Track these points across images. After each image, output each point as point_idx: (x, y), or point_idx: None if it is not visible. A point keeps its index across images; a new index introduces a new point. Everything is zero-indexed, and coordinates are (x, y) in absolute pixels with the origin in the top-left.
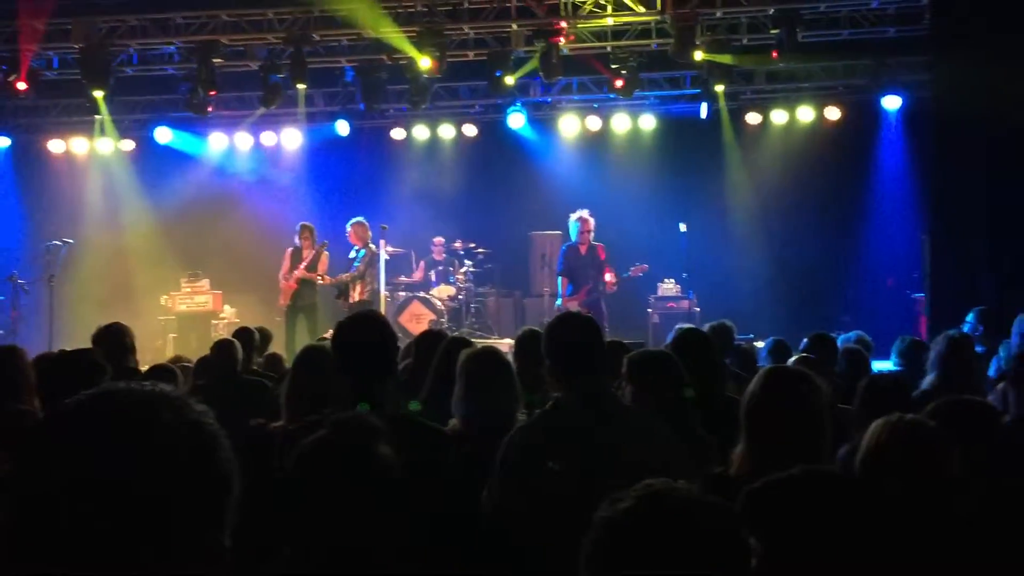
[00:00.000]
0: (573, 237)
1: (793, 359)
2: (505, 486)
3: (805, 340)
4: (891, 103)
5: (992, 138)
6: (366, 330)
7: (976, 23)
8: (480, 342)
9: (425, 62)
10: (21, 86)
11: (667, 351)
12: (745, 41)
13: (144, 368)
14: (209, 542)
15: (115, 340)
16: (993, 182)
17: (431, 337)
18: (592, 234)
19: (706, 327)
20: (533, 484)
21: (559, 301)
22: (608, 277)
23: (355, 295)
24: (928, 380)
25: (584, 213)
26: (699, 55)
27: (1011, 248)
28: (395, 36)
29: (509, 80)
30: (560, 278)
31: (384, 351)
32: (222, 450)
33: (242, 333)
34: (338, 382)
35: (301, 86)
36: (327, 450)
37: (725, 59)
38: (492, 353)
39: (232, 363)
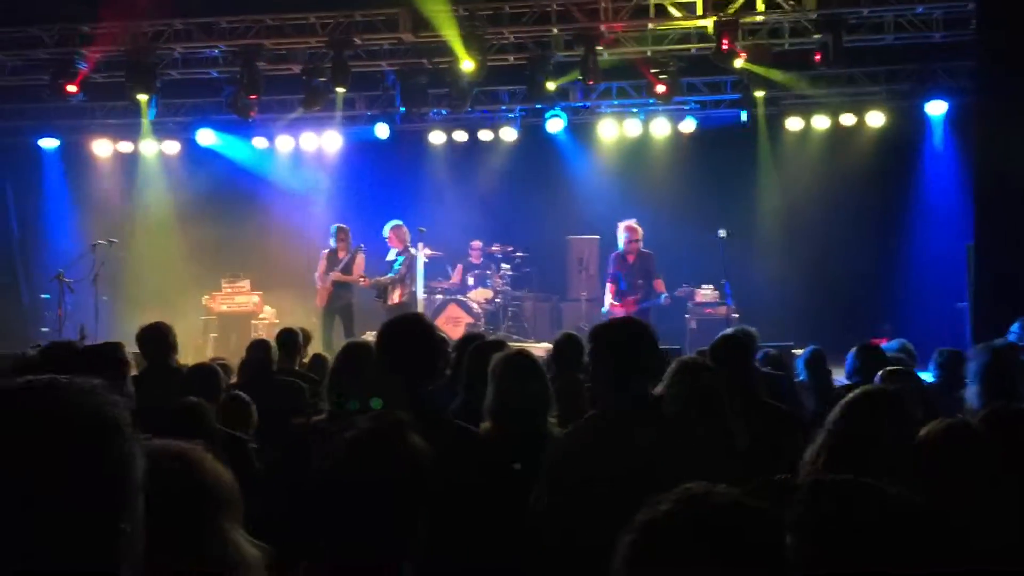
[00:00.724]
0: (620, 246)
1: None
2: (555, 488)
3: (851, 353)
4: (935, 109)
5: None
6: (411, 331)
7: (1022, 27)
8: (517, 346)
9: (468, 64)
10: (71, 89)
11: (705, 360)
12: (787, 46)
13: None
14: (104, 528)
15: (158, 338)
16: None
17: (472, 340)
18: (640, 243)
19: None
20: (582, 488)
21: (605, 308)
22: (659, 287)
23: (394, 297)
24: (971, 392)
25: (632, 222)
26: (739, 62)
27: None
28: (448, 33)
29: (550, 86)
30: (608, 285)
31: (428, 353)
32: (120, 439)
33: (286, 334)
34: (379, 380)
35: (341, 89)
36: (356, 446)
37: (764, 71)
38: (524, 356)
39: (266, 363)
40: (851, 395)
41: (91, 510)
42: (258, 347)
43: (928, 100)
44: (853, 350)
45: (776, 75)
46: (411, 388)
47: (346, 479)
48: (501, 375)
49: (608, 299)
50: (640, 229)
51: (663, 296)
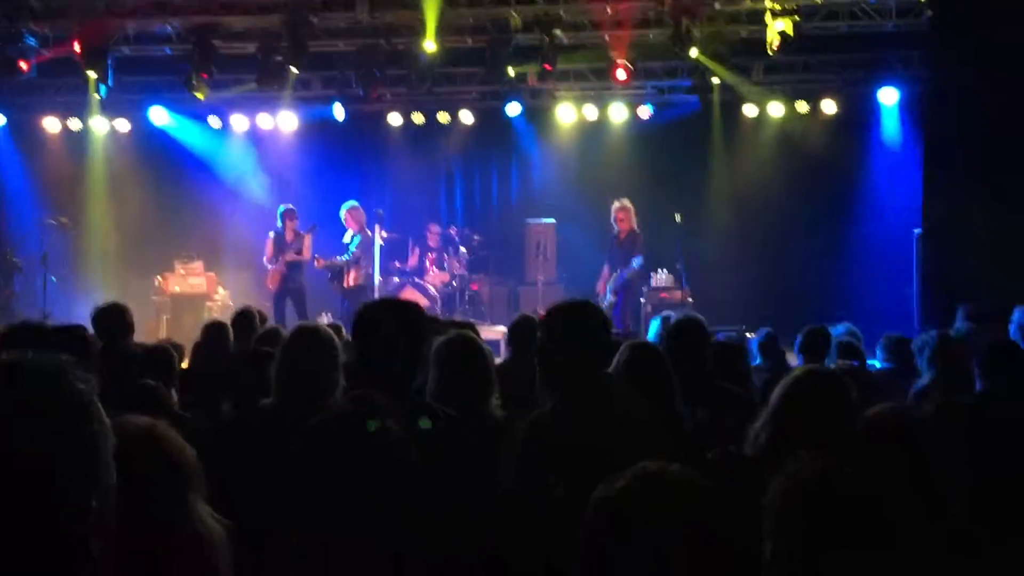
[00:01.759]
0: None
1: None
2: (522, 473)
3: (800, 335)
4: (888, 97)
5: (987, 133)
6: (389, 317)
7: (974, 17)
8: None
9: (430, 44)
10: (23, 66)
11: (655, 346)
12: (744, 33)
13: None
14: (74, 504)
15: (114, 319)
16: (987, 178)
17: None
18: (625, 221)
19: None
20: (544, 474)
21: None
22: (634, 263)
23: (350, 280)
24: (923, 379)
25: (619, 202)
26: (694, 52)
27: (1006, 244)
28: (407, 13)
29: (510, 71)
30: (604, 266)
31: (413, 340)
32: (89, 415)
33: (241, 315)
34: (326, 362)
35: (295, 70)
36: (335, 427)
37: (714, 66)
38: (465, 340)
39: (223, 345)
40: (793, 374)
41: (61, 486)
42: (214, 330)
43: (880, 88)
44: (802, 332)
45: (724, 73)
46: (389, 374)
47: (317, 462)
48: (442, 359)
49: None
50: (623, 207)
51: (635, 261)
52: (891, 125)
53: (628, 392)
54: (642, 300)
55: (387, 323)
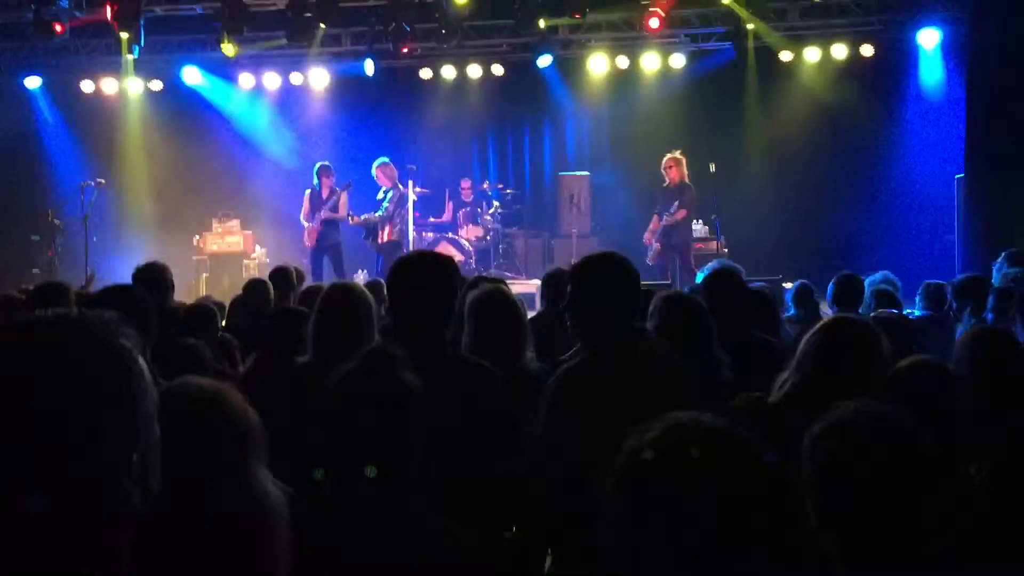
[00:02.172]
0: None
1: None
2: (552, 424)
3: (831, 284)
4: (928, 39)
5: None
6: (422, 272)
7: None
8: (508, 284)
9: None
10: (58, 28)
11: (695, 296)
12: None
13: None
14: (115, 458)
15: (155, 278)
16: None
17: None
18: (674, 170)
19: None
20: (589, 423)
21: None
22: (677, 214)
23: (384, 235)
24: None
25: (670, 154)
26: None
27: None
28: None
29: (540, 22)
30: (653, 216)
31: (439, 292)
32: (132, 373)
33: (280, 272)
34: (359, 319)
35: (324, 25)
36: (353, 380)
37: (746, 16)
38: (498, 293)
39: (265, 302)
40: (822, 322)
41: (102, 440)
42: (255, 287)
43: (920, 30)
44: (833, 280)
45: (755, 22)
46: (416, 325)
47: (336, 416)
48: (475, 313)
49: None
50: (674, 158)
51: (672, 207)
52: (932, 69)
53: (659, 343)
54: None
55: (418, 278)
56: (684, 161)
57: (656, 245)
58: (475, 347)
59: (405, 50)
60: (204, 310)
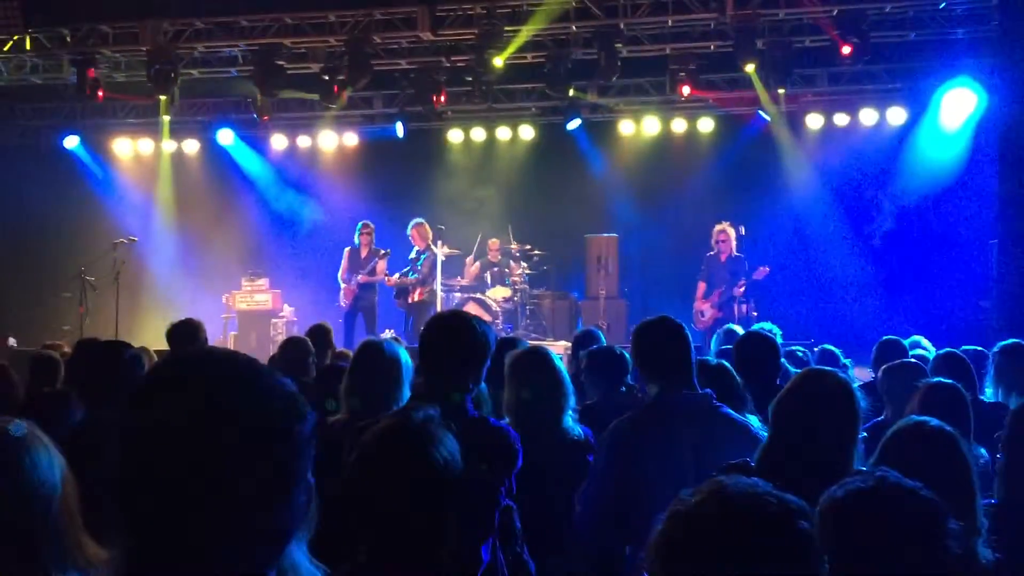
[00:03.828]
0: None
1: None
2: (604, 481)
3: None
4: (960, 104)
5: None
6: (455, 329)
7: None
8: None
9: (498, 60)
10: (100, 93)
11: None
12: (807, 43)
13: None
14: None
15: (190, 334)
16: None
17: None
18: (729, 243)
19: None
20: (629, 480)
21: (696, 303)
22: (740, 288)
23: (415, 296)
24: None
25: (721, 225)
26: (751, 67)
27: None
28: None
29: (570, 90)
30: (699, 283)
31: (469, 352)
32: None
33: (318, 329)
34: (390, 378)
35: (356, 89)
36: (379, 445)
37: (761, 91)
38: (537, 353)
39: (304, 359)
40: (791, 382)
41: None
42: (296, 344)
43: (950, 94)
44: (876, 344)
45: (764, 96)
46: (446, 385)
47: (362, 482)
48: (515, 372)
49: (696, 296)
50: (724, 230)
51: (752, 272)
52: (964, 132)
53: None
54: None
55: (452, 337)
56: (732, 232)
57: (714, 312)
58: (518, 408)
59: (436, 113)
60: None
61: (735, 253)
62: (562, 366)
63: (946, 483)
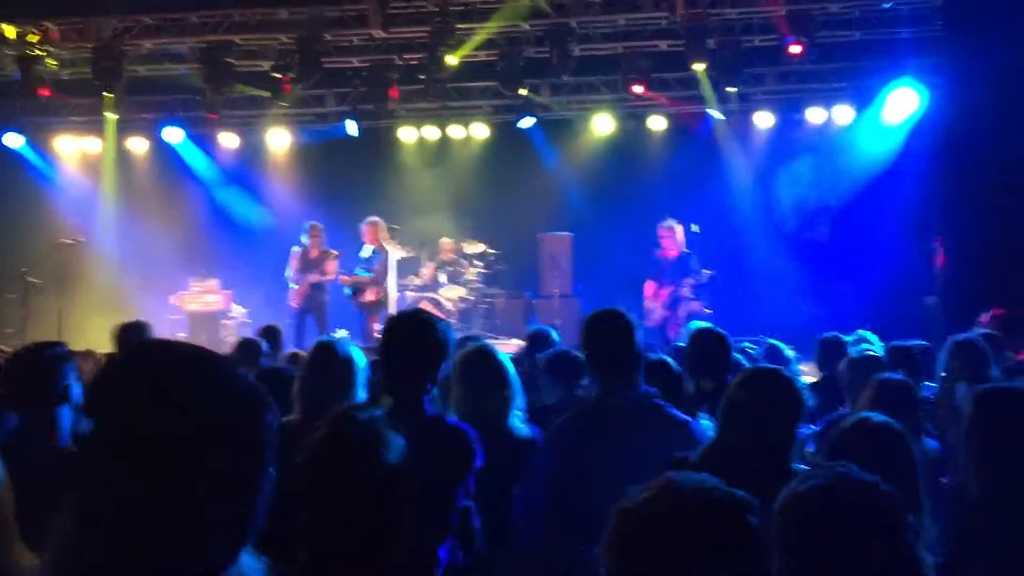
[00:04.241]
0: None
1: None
2: (542, 476)
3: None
4: (903, 102)
5: (1003, 141)
6: (414, 331)
7: (988, 24)
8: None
9: (451, 59)
10: (43, 92)
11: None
12: (757, 42)
13: None
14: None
15: (137, 336)
16: (1002, 186)
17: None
18: (672, 240)
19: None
20: (571, 478)
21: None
22: (687, 282)
23: (368, 296)
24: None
25: (665, 223)
26: (700, 67)
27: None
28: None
29: (522, 90)
30: (646, 282)
31: (427, 351)
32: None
33: (268, 332)
34: (347, 377)
35: (308, 87)
36: (325, 445)
37: (708, 92)
38: (483, 352)
39: (257, 361)
40: (736, 380)
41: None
42: (247, 345)
43: (894, 93)
44: (818, 341)
45: (710, 94)
46: (404, 385)
47: (309, 482)
48: (461, 371)
49: (645, 295)
50: (669, 227)
51: (696, 275)
52: (907, 131)
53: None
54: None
55: (412, 336)
56: (676, 229)
57: (663, 311)
58: (463, 407)
59: (388, 111)
60: None
61: (684, 250)
62: (509, 365)
63: (892, 480)
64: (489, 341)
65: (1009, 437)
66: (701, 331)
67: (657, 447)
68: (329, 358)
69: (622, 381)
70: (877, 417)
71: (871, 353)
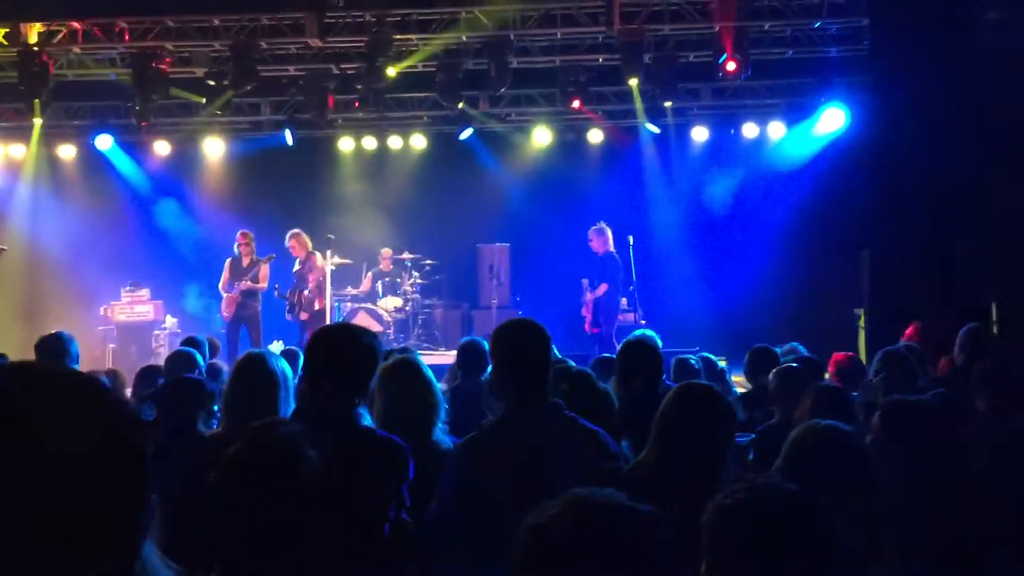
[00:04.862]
0: None
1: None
2: (449, 497)
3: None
4: (832, 118)
5: (929, 152)
6: (337, 345)
7: (912, 41)
8: (427, 355)
9: (391, 70)
10: None
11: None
12: (692, 58)
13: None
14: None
15: (59, 349)
16: (928, 195)
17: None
18: (595, 243)
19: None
20: (480, 497)
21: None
22: (599, 289)
23: (303, 307)
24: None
25: (595, 225)
26: (634, 82)
27: (948, 263)
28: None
29: (459, 103)
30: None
31: (351, 366)
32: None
33: (192, 342)
34: (272, 390)
35: (242, 95)
36: (242, 457)
37: (639, 106)
38: (404, 364)
39: (192, 372)
40: (668, 396)
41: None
42: (181, 357)
43: (824, 109)
44: (748, 352)
45: (640, 108)
46: (331, 398)
47: (228, 495)
48: (382, 383)
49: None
50: (599, 230)
51: (597, 283)
52: (834, 146)
53: (560, 415)
54: None
55: (337, 350)
56: (606, 231)
57: (587, 316)
58: (386, 420)
59: (325, 120)
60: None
61: (610, 250)
62: (432, 377)
63: (847, 484)
64: (423, 353)
65: (911, 447)
66: (630, 343)
67: (566, 460)
68: (256, 371)
69: (528, 395)
70: (842, 426)
71: (793, 364)
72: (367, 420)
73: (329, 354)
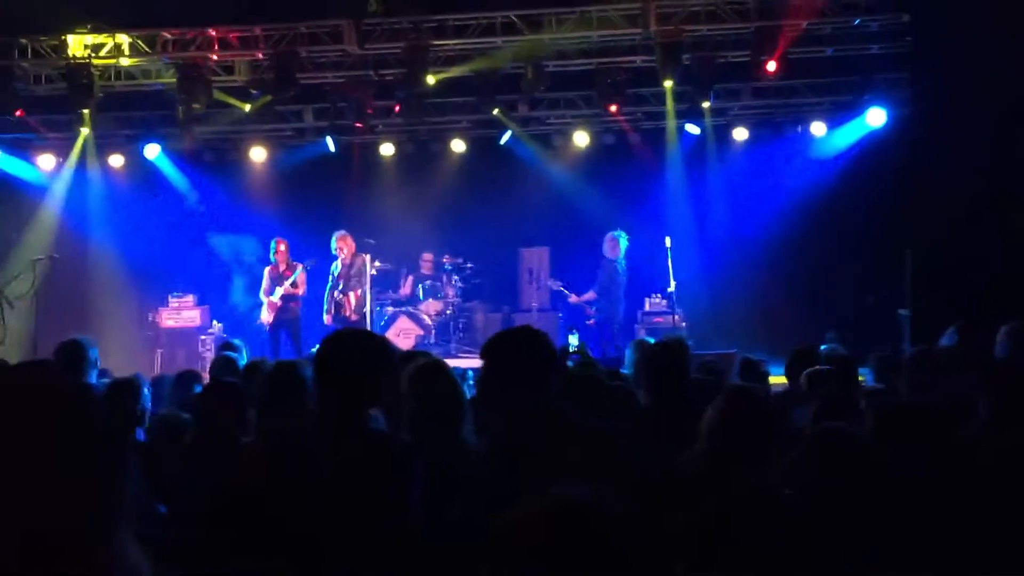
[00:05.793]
0: None
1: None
2: (468, 506)
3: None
4: (875, 118)
5: (971, 154)
6: (345, 348)
7: (954, 39)
8: (468, 358)
9: (429, 78)
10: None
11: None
12: (730, 58)
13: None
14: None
15: (73, 354)
16: (971, 196)
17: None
18: (612, 250)
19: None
20: (491, 506)
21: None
22: (587, 296)
23: (345, 311)
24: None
25: (611, 233)
26: (668, 83)
27: (988, 263)
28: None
29: (495, 110)
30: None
31: (364, 369)
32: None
33: (230, 346)
34: (300, 397)
35: (284, 102)
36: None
37: (670, 107)
38: (435, 366)
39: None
40: (716, 401)
41: None
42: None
43: (867, 109)
44: (789, 354)
45: (671, 107)
46: (343, 401)
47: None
48: (411, 387)
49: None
50: (612, 237)
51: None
52: (879, 145)
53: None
54: (636, 325)
55: (344, 355)
56: (615, 239)
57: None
58: (416, 420)
59: (366, 126)
60: (124, 383)
61: (616, 258)
62: (456, 378)
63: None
64: (464, 356)
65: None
66: (656, 348)
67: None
68: (284, 383)
69: (535, 398)
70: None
71: (825, 367)
72: (380, 424)
73: (338, 357)
